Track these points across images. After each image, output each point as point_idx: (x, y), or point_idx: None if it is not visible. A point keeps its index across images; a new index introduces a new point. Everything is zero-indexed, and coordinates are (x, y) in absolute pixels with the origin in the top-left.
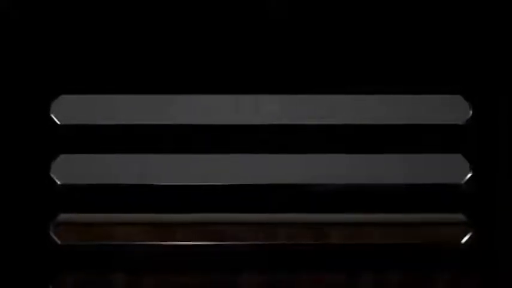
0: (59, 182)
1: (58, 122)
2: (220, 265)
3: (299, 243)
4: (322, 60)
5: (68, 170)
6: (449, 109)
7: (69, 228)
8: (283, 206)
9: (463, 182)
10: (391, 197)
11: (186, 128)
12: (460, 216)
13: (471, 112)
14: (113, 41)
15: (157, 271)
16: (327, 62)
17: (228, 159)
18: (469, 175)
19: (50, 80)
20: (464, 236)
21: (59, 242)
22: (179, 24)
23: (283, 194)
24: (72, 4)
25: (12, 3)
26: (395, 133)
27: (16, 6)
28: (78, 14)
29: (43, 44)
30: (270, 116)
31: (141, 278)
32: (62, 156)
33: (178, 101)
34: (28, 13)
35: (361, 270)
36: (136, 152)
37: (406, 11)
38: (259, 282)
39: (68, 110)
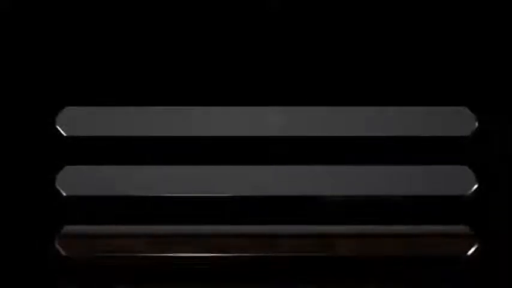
0: (64, 194)
1: (64, 134)
2: (223, 277)
3: (303, 255)
4: (329, 72)
5: (73, 181)
6: (455, 121)
7: (74, 239)
8: (287, 217)
9: (468, 193)
10: (397, 209)
11: (190, 140)
12: (465, 228)
13: (477, 124)
14: (118, 54)
15: (162, 283)
16: (333, 74)
17: (231, 171)
18: (475, 187)
19: (55, 92)
20: (470, 248)
21: (64, 253)
22: (186, 38)
23: (288, 206)
24: (78, 17)
25: (16, 17)
26: (401, 144)
27: (20, 20)
28: (84, 26)
29: (49, 56)
30: (275, 128)
31: None
32: (67, 168)
33: (183, 113)
34: (33, 27)
35: (365, 282)
36: (141, 163)
37: (412, 23)
38: None
39: (73, 121)
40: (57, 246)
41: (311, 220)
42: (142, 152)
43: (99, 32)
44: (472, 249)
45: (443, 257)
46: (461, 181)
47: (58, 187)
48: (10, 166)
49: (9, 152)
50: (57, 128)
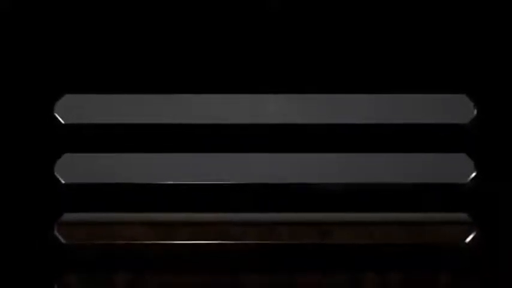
0: (63, 182)
1: (62, 121)
2: (223, 264)
3: (302, 242)
4: (327, 60)
5: (72, 169)
6: (454, 108)
7: (73, 227)
8: (286, 205)
9: (467, 181)
10: (395, 196)
11: (190, 128)
12: (464, 216)
13: (475, 111)
14: (116, 41)
15: (161, 270)
16: (332, 62)
17: (231, 159)
18: (473, 174)
19: (54, 79)
20: (468, 235)
21: (63, 241)
22: (184, 24)
23: (286, 193)
24: (76, 4)
25: (15, 3)
26: (399, 132)
27: (19, 6)
28: (82, 13)
29: (47, 43)
30: (274, 115)
31: (144, 278)
32: (66, 156)
33: (182, 100)
34: (32, 13)
35: (364, 270)
36: (140, 151)
37: (410, 9)
38: (262, 282)
39: (72, 109)
40: (57, 234)
41: (310, 208)
42: (142, 139)
43: (98, 19)
44: (471, 237)
45: (441, 244)
46: (460, 169)
47: (57, 175)
48: (8, 154)
49: (8, 140)
50: (55, 116)
